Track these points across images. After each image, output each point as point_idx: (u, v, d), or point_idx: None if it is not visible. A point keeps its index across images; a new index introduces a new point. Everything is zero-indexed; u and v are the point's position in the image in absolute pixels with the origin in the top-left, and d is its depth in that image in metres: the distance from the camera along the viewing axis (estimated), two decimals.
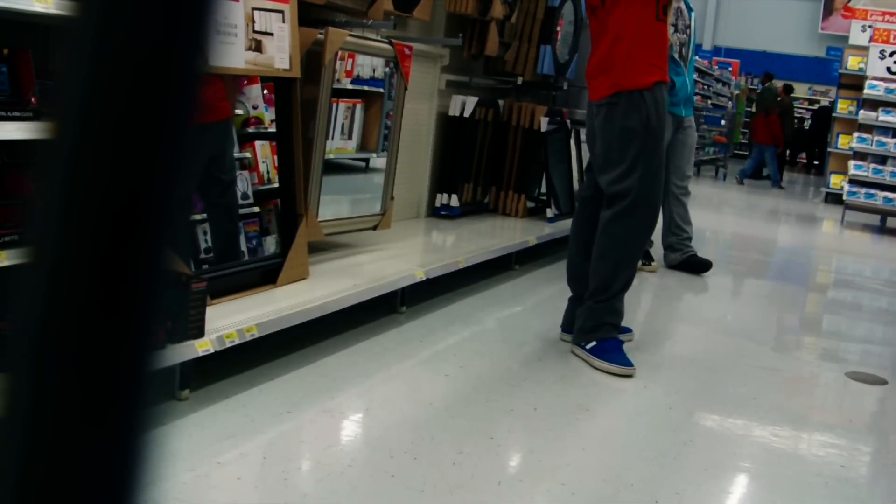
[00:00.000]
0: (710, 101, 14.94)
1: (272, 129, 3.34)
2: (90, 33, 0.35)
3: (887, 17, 10.65)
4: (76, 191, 0.35)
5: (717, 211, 10.19)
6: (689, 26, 5.33)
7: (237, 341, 2.61)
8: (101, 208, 0.35)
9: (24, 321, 0.36)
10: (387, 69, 4.12)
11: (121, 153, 0.35)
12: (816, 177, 16.71)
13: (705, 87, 14.37)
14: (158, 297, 0.37)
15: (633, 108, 3.23)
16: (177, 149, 0.36)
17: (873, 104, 10.10)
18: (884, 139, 9.94)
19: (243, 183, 3.27)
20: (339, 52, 3.56)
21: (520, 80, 5.65)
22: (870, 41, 10.42)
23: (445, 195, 5.22)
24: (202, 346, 2.46)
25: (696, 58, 6.23)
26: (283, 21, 3.13)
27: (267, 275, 3.18)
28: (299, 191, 3.33)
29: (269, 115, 3.37)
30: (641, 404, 3.02)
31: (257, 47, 3.01)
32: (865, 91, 10.15)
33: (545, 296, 4.49)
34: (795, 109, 16.14)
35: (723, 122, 15.47)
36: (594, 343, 3.34)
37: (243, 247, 3.22)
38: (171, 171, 0.36)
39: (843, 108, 11.27)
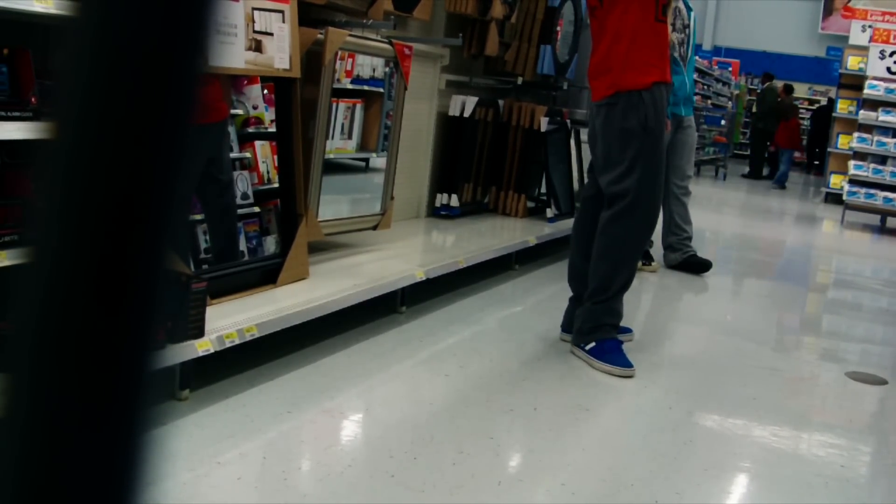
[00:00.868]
0: (710, 101, 14.94)
1: (272, 129, 3.34)
2: (90, 33, 0.35)
3: (887, 17, 10.65)
4: (76, 191, 0.35)
5: (717, 211, 10.19)
6: (687, 26, 5.33)
7: (237, 341, 2.61)
8: (100, 208, 0.35)
9: (24, 321, 0.36)
10: (387, 69, 4.12)
11: (121, 153, 0.35)
12: (816, 177, 16.71)
13: (705, 87, 14.38)
14: (158, 297, 0.37)
15: (631, 108, 3.23)
16: (176, 149, 0.36)
17: (873, 104, 10.10)
18: (884, 139, 9.94)
19: (243, 183, 3.27)
20: (339, 52, 3.56)
21: (520, 80, 5.65)
22: (870, 41, 10.42)
23: (445, 195, 5.22)
24: (202, 346, 2.46)
25: (696, 58, 6.24)
26: (283, 21, 3.13)
27: (267, 275, 3.18)
28: (299, 191, 3.33)
29: (269, 115, 3.37)
30: (641, 404, 3.02)
31: (257, 47, 3.01)
32: (865, 91, 10.15)
33: (545, 296, 4.49)
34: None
35: (723, 122, 15.47)
36: (593, 344, 3.34)
37: (243, 247, 3.22)
38: (170, 172, 0.36)
39: (843, 108, 11.26)
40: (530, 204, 5.71)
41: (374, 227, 4.06)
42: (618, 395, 3.10)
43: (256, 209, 3.32)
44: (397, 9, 4.21)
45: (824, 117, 15.60)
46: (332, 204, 3.85)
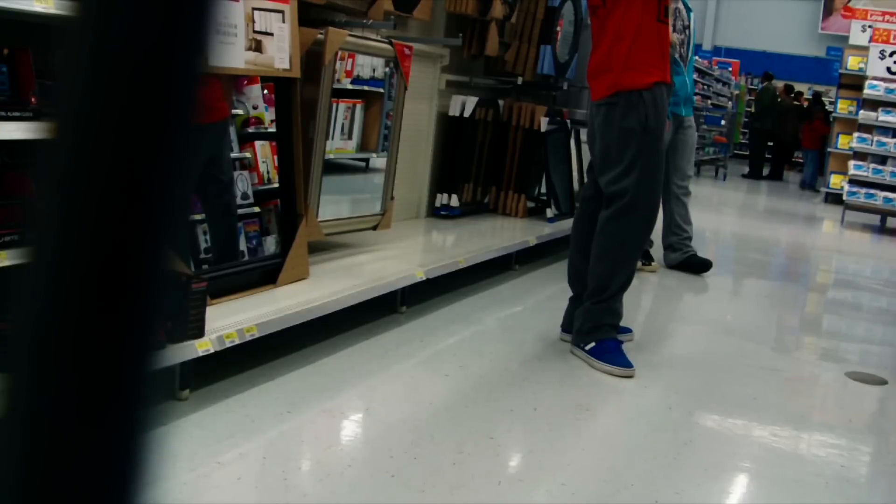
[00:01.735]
0: (710, 101, 14.94)
1: (272, 129, 3.34)
2: (90, 33, 0.35)
3: (887, 17, 10.65)
4: (76, 191, 0.35)
5: (717, 211, 10.19)
6: (687, 27, 5.35)
7: (237, 341, 2.61)
8: (100, 208, 0.35)
9: (24, 321, 0.36)
10: (387, 69, 4.12)
11: (120, 153, 0.35)
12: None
13: (705, 87, 14.38)
14: (158, 297, 0.37)
15: (631, 108, 3.24)
16: (176, 149, 0.36)
17: (873, 104, 10.09)
18: (884, 139, 9.94)
19: (243, 183, 3.27)
20: (339, 52, 3.56)
21: (520, 80, 5.65)
22: (870, 41, 10.42)
23: (445, 195, 5.22)
24: (202, 346, 2.46)
25: (696, 58, 6.24)
26: (283, 21, 3.13)
27: (267, 275, 3.18)
28: (299, 191, 3.33)
29: (269, 115, 3.37)
30: (641, 404, 3.02)
31: (257, 47, 3.01)
32: (865, 91, 10.15)
33: (545, 296, 4.49)
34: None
35: (723, 122, 15.47)
36: (593, 344, 3.34)
37: (243, 247, 3.22)
38: (170, 172, 0.36)
39: (843, 108, 11.26)
40: (530, 204, 5.71)
41: (374, 227, 4.06)
42: (618, 395, 3.10)
43: (256, 209, 3.32)
44: (397, 9, 4.21)
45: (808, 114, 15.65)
46: (332, 204, 3.85)
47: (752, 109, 17.21)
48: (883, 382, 3.60)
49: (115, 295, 0.36)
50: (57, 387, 0.36)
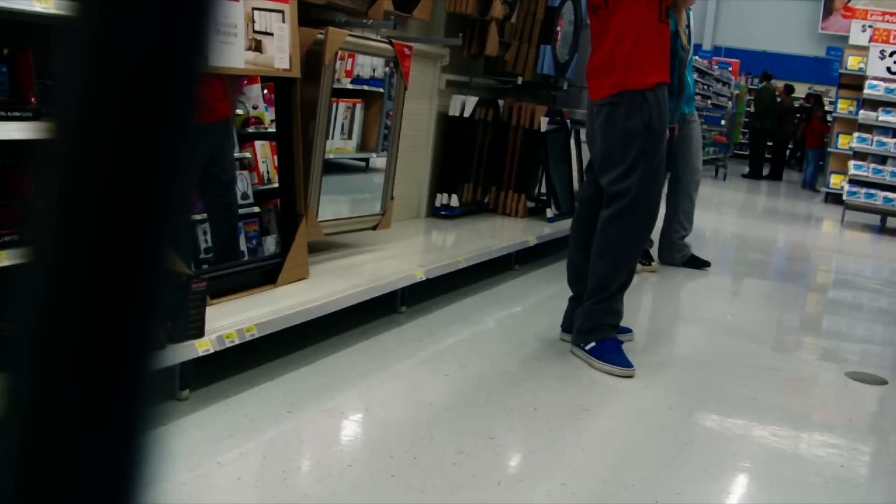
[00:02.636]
0: (710, 101, 14.94)
1: (272, 129, 3.34)
2: (90, 33, 0.35)
3: (887, 17, 10.64)
4: (76, 191, 0.35)
5: (717, 211, 10.19)
6: (688, 26, 5.37)
7: (237, 341, 2.61)
8: (100, 208, 0.35)
9: (24, 321, 0.36)
10: (387, 69, 4.12)
11: (120, 153, 0.35)
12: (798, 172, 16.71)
13: (705, 87, 14.37)
14: (158, 297, 0.37)
15: (635, 108, 3.24)
16: (177, 149, 0.36)
17: (873, 104, 10.09)
18: (884, 139, 9.93)
19: (243, 183, 3.27)
20: (339, 52, 3.56)
21: (520, 80, 5.65)
22: (870, 41, 10.41)
23: (445, 195, 5.22)
24: (202, 346, 2.46)
25: (696, 58, 6.26)
26: (283, 21, 3.13)
27: (267, 275, 3.18)
28: (299, 191, 3.33)
29: (269, 115, 3.37)
30: (641, 404, 3.02)
31: (257, 47, 3.01)
32: (865, 91, 10.14)
33: (545, 296, 4.49)
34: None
35: (723, 122, 15.47)
36: (593, 344, 3.34)
37: (243, 247, 3.22)
38: (171, 171, 0.36)
39: (843, 108, 11.26)
40: (530, 204, 5.71)
41: (374, 227, 4.06)
42: (618, 395, 3.10)
43: (256, 209, 3.32)
44: (397, 9, 4.21)
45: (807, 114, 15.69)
46: (332, 204, 3.85)
47: (752, 109, 17.21)
48: (883, 382, 3.59)
49: (115, 295, 0.36)
50: (57, 387, 0.36)
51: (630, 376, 3.25)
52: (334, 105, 3.78)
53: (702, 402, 3.11)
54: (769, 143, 15.72)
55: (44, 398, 0.36)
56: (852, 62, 11.26)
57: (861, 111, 10.23)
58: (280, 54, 3.11)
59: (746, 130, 18.62)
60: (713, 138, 14.72)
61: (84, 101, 0.35)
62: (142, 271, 0.36)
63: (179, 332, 2.41)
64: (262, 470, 2.21)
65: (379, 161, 4.23)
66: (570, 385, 3.12)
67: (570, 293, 3.62)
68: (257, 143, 3.36)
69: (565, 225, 5.56)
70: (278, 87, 3.26)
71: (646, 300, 4.84)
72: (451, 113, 5.26)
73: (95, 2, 0.35)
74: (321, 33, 3.43)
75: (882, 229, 9.82)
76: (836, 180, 11.24)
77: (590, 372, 3.32)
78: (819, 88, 18.74)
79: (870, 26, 10.81)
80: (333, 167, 3.88)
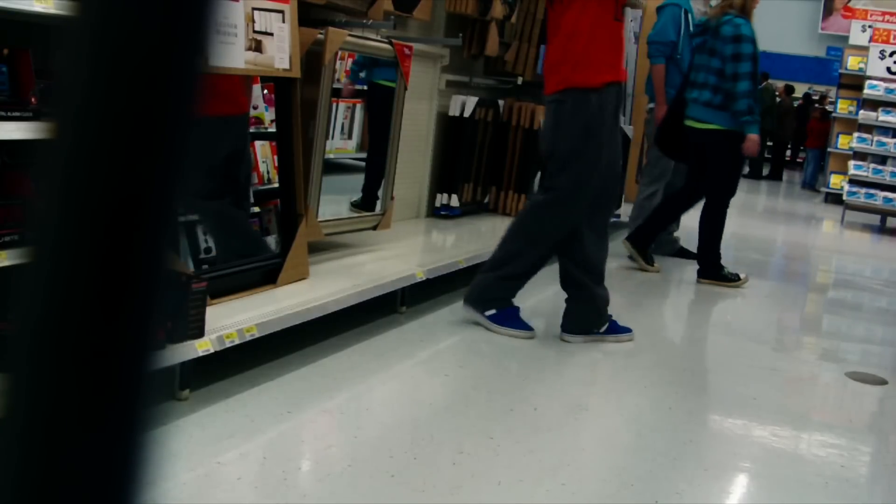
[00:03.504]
0: None
1: (272, 129, 3.34)
2: (90, 33, 0.35)
3: (887, 17, 10.64)
4: (76, 191, 0.35)
5: None
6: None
7: (237, 341, 2.61)
8: (101, 208, 0.35)
9: (25, 321, 0.36)
10: None
11: (121, 153, 0.35)
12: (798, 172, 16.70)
13: None
14: (158, 298, 0.37)
15: (578, 107, 3.31)
16: (177, 149, 0.36)
17: (873, 104, 10.09)
18: (884, 139, 9.93)
19: None
20: (339, 52, 3.56)
21: (520, 80, 5.65)
22: (870, 41, 10.41)
23: (445, 195, 5.22)
24: (202, 346, 2.46)
25: None
26: (283, 21, 3.13)
27: (267, 275, 3.18)
28: (299, 191, 3.33)
29: (269, 115, 3.37)
30: (641, 404, 3.02)
31: (257, 47, 3.01)
32: (865, 91, 10.15)
33: (545, 296, 4.48)
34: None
35: None
36: (494, 311, 3.49)
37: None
38: (171, 172, 0.36)
39: (843, 108, 11.26)
40: None
41: (374, 227, 4.06)
42: (618, 396, 3.10)
43: (256, 209, 3.32)
44: (397, 9, 4.21)
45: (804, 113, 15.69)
46: (332, 204, 3.85)
47: None
48: (883, 382, 3.59)
49: (115, 295, 0.36)
50: (57, 387, 0.36)
51: (531, 338, 3.44)
52: (334, 105, 3.78)
53: (702, 402, 3.11)
54: (769, 144, 15.71)
55: (44, 398, 0.36)
56: (852, 62, 11.26)
57: (861, 111, 10.23)
58: (280, 54, 3.11)
59: None
60: None
61: (84, 102, 0.35)
62: (142, 271, 0.36)
63: (179, 332, 2.41)
64: (262, 470, 2.20)
65: None
66: (570, 385, 3.12)
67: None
68: (257, 143, 3.36)
69: None
70: (278, 87, 3.26)
71: (646, 300, 4.84)
72: (451, 113, 5.26)
73: (95, 2, 0.35)
74: (321, 33, 3.43)
75: (882, 229, 9.82)
76: (836, 180, 11.25)
77: (590, 372, 3.32)
78: (819, 88, 18.73)
79: (870, 26, 10.81)
80: (333, 167, 3.88)
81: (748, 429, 2.89)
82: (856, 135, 10.13)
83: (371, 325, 3.50)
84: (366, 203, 4.12)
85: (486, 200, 5.64)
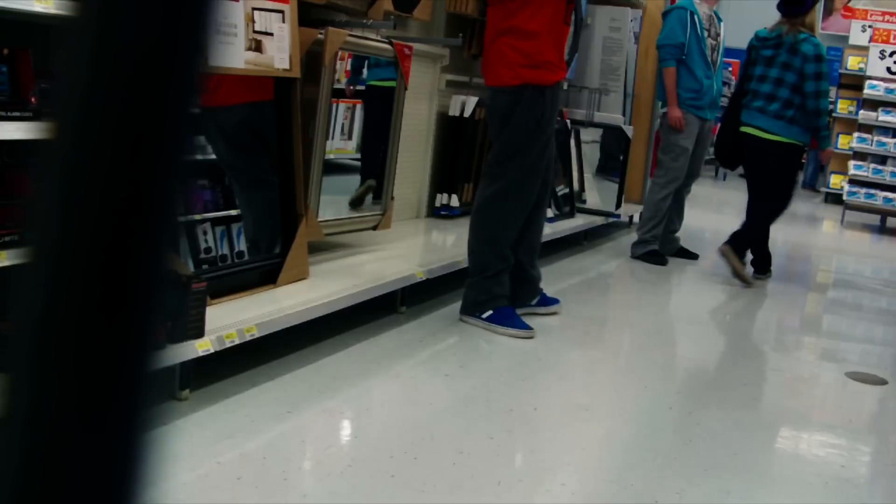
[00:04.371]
0: None
1: None
2: (90, 33, 0.35)
3: (887, 17, 10.64)
4: (76, 191, 0.35)
5: (717, 211, 10.19)
6: (719, 34, 5.62)
7: (237, 341, 2.61)
8: (101, 208, 0.35)
9: (24, 321, 0.36)
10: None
11: (121, 153, 0.35)
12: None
13: None
14: (158, 297, 0.37)
15: (533, 103, 3.46)
16: (177, 149, 0.36)
17: (873, 104, 10.09)
18: (884, 139, 9.93)
19: None
20: (339, 52, 3.56)
21: None
22: (870, 41, 10.41)
23: (445, 195, 5.22)
24: (202, 346, 2.46)
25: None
26: (283, 21, 3.13)
27: (267, 275, 3.18)
28: (299, 191, 3.33)
29: None
30: (641, 404, 3.02)
31: (257, 47, 3.01)
32: (865, 91, 10.14)
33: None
34: None
35: None
36: (491, 312, 3.55)
37: (242, 247, 3.22)
38: (171, 172, 0.36)
39: (843, 108, 11.26)
40: None
41: (374, 227, 4.06)
42: (618, 395, 3.10)
43: None
44: (397, 9, 4.21)
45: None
46: (332, 204, 3.85)
47: None
48: (883, 382, 3.60)
49: (115, 295, 0.36)
50: (57, 387, 0.36)
51: (531, 337, 3.46)
52: (334, 105, 3.78)
53: (702, 402, 3.11)
54: None
55: (44, 398, 0.36)
56: (852, 62, 11.26)
57: (861, 111, 10.22)
58: (280, 54, 3.11)
59: None
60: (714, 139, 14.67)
61: (84, 102, 0.35)
62: (142, 271, 0.36)
63: (179, 332, 2.41)
64: (262, 470, 2.20)
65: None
66: (570, 385, 3.12)
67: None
68: None
69: (565, 225, 5.57)
70: (278, 87, 3.25)
71: (645, 300, 4.85)
72: (451, 113, 5.26)
73: (95, 2, 0.35)
74: (321, 33, 3.43)
75: (882, 229, 9.82)
76: (836, 180, 11.24)
77: (590, 372, 3.32)
78: None
79: (870, 26, 10.81)
80: (333, 167, 3.88)
81: (748, 429, 2.89)
82: (856, 135, 10.13)
83: (371, 325, 3.50)
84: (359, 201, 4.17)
85: None
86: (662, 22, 5.69)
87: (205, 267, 2.95)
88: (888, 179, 9.82)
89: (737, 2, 22.28)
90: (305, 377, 2.86)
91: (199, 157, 3.01)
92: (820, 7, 21.94)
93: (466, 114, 5.25)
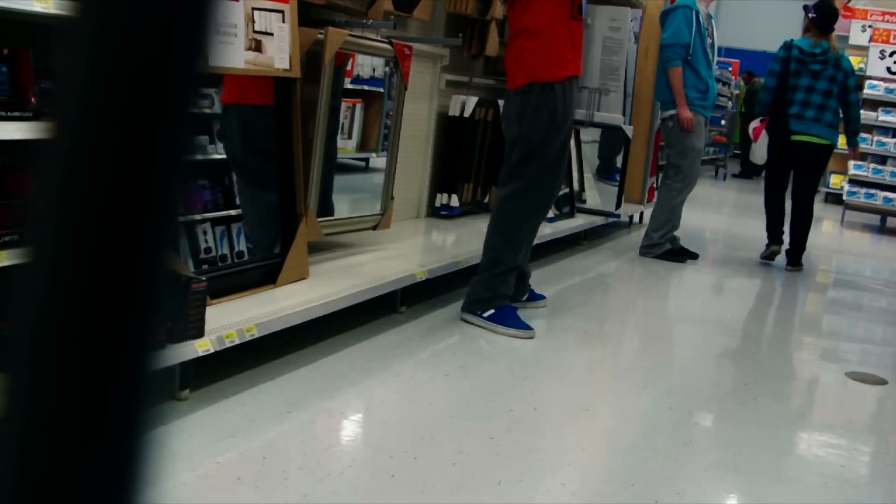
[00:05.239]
0: None
1: None
2: (90, 33, 0.35)
3: (887, 17, 10.64)
4: (76, 191, 0.35)
5: (717, 211, 10.19)
6: (713, 33, 5.65)
7: (237, 341, 2.61)
8: (100, 208, 0.35)
9: (24, 321, 0.36)
10: (387, 69, 4.12)
11: (120, 153, 0.35)
12: None
13: None
14: (158, 298, 0.37)
15: (544, 99, 3.49)
16: (177, 149, 0.36)
17: (873, 104, 10.08)
18: (884, 139, 9.93)
19: None
20: (339, 52, 3.56)
21: None
22: (870, 41, 10.41)
23: (445, 195, 5.22)
24: (202, 346, 2.46)
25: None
26: (283, 21, 3.13)
27: (267, 275, 3.18)
28: (299, 191, 3.33)
29: None
30: (641, 404, 3.02)
31: (257, 47, 3.01)
32: (865, 91, 10.14)
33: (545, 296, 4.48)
34: None
35: (723, 122, 15.45)
36: (493, 311, 3.57)
37: (242, 247, 3.22)
38: (170, 172, 0.36)
39: None
40: None
41: (374, 227, 4.06)
42: (618, 395, 3.10)
43: None
44: (397, 9, 4.21)
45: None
46: (333, 204, 3.85)
47: (744, 110, 17.18)
48: (883, 382, 3.60)
49: (115, 295, 0.36)
50: (57, 387, 0.36)
51: (531, 338, 3.49)
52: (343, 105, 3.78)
53: (702, 402, 3.11)
54: None
55: (44, 398, 0.36)
56: (852, 62, 11.25)
57: (861, 111, 10.22)
58: (280, 54, 3.11)
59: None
60: (713, 138, 14.71)
61: (84, 102, 0.35)
62: (142, 271, 0.36)
63: (179, 332, 2.41)
64: (262, 470, 2.20)
65: (379, 161, 4.23)
66: (570, 385, 3.12)
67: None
68: None
69: (565, 225, 5.57)
70: (278, 87, 3.26)
71: (645, 300, 4.85)
72: (450, 113, 5.26)
73: (95, 2, 0.35)
74: (321, 33, 3.43)
75: (882, 229, 9.82)
76: (836, 180, 11.24)
77: (590, 372, 3.32)
78: None
79: (870, 26, 10.80)
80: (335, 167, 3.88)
81: (748, 429, 2.89)
82: None
83: (371, 325, 3.50)
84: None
85: (486, 200, 5.63)
86: (661, 22, 5.67)
87: (205, 267, 2.95)
88: (888, 179, 9.82)
89: (737, 2, 22.29)
90: (305, 377, 2.86)
91: (199, 157, 3.01)
92: None
93: (466, 114, 5.25)
